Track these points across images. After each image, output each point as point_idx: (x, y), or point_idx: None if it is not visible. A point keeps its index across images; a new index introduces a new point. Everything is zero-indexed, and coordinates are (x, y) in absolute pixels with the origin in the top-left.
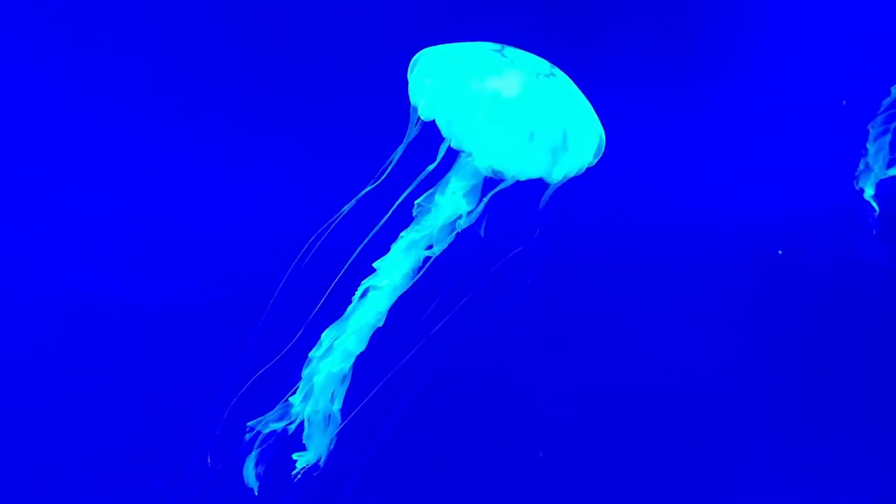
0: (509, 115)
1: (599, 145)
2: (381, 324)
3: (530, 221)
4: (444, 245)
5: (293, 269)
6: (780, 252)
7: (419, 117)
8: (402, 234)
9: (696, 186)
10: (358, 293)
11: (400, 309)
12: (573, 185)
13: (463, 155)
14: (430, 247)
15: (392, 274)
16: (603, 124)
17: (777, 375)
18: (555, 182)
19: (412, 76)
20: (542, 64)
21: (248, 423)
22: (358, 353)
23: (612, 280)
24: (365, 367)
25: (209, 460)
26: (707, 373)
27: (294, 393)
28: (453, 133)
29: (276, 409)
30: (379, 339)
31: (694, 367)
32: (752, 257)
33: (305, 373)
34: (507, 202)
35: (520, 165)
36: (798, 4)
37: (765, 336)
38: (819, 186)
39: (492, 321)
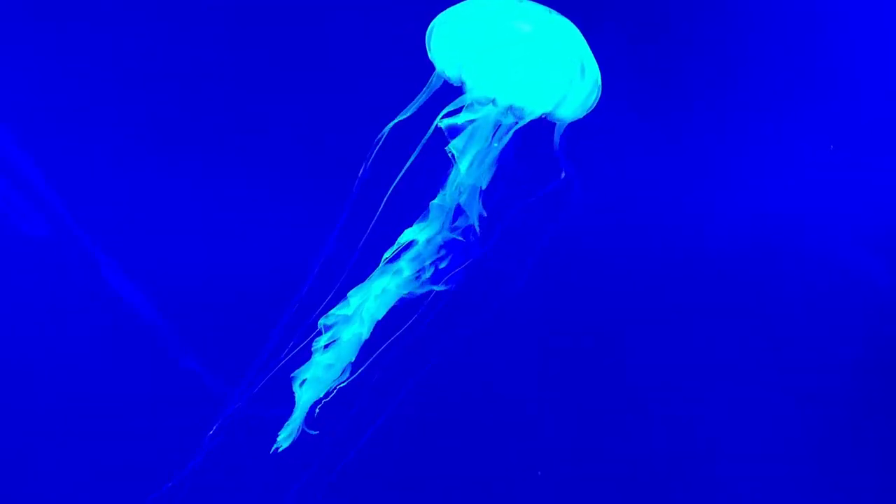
0: (530, 48)
1: (596, 84)
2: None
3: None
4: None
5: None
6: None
7: (439, 79)
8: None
9: (682, 179)
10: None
11: (391, 314)
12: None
13: (481, 109)
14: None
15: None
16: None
17: (770, 379)
18: (567, 116)
19: (434, 39)
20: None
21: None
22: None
23: (607, 283)
24: (358, 366)
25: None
26: (701, 375)
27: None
28: (476, 80)
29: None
30: (370, 342)
31: (686, 371)
32: (746, 253)
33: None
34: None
35: (544, 96)
36: None
37: (761, 337)
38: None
39: (484, 324)
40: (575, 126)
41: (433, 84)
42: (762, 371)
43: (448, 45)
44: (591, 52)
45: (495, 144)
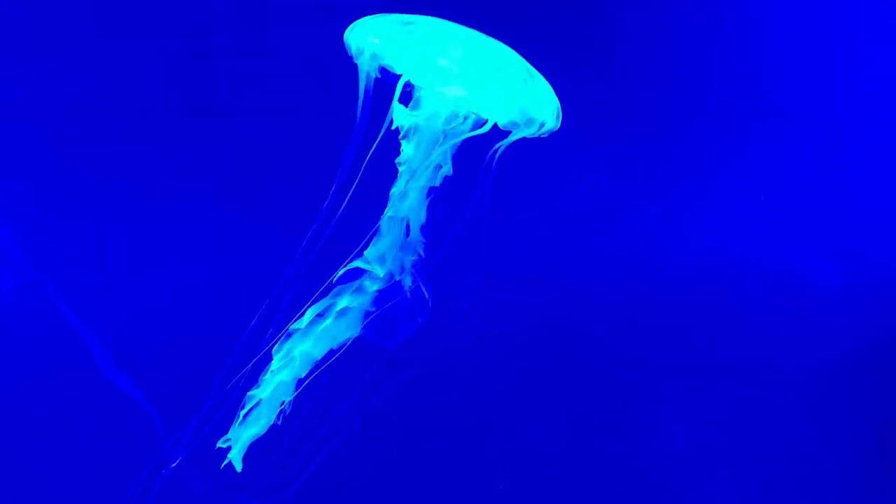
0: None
1: (557, 110)
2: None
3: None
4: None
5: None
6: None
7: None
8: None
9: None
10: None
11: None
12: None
13: (429, 100)
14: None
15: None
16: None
17: (731, 386)
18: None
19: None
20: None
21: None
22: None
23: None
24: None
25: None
26: (667, 382)
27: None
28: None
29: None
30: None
31: (649, 377)
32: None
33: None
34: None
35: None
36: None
37: (720, 347)
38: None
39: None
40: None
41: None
42: (725, 380)
43: (372, 48)
44: (537, 72)
45: (443, 144)
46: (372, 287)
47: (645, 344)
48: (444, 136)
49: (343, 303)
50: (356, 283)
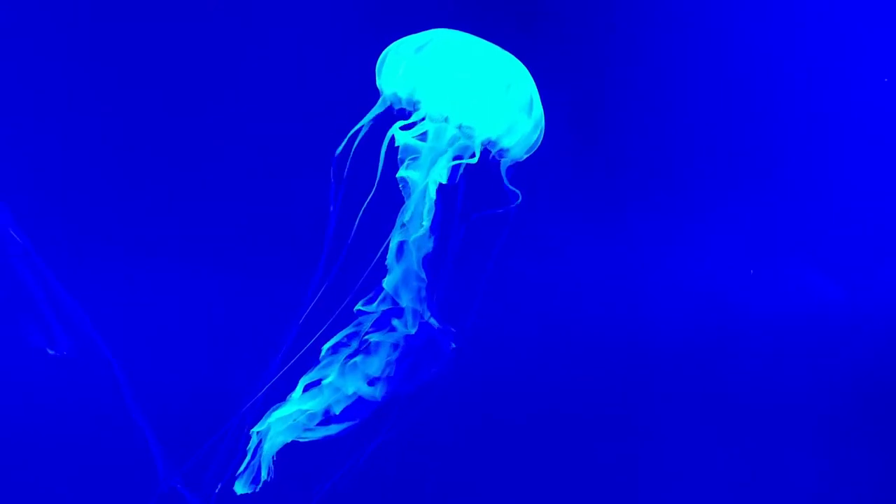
0: (476, 83)
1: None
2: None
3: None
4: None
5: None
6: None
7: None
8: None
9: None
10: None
11: None
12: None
13: (434, 129)
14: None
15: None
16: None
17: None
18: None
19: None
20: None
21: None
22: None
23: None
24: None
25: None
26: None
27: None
28: (429, 101)
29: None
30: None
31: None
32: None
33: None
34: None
35: (493, 120)
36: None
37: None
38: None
39: None
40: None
41: (379, 109)
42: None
43: (399, 73)
44: (538, 93)
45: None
46: (399, 326)
47: (648, 395)
48: (445, 156)
49: (373, 338)
50: (377, 313)
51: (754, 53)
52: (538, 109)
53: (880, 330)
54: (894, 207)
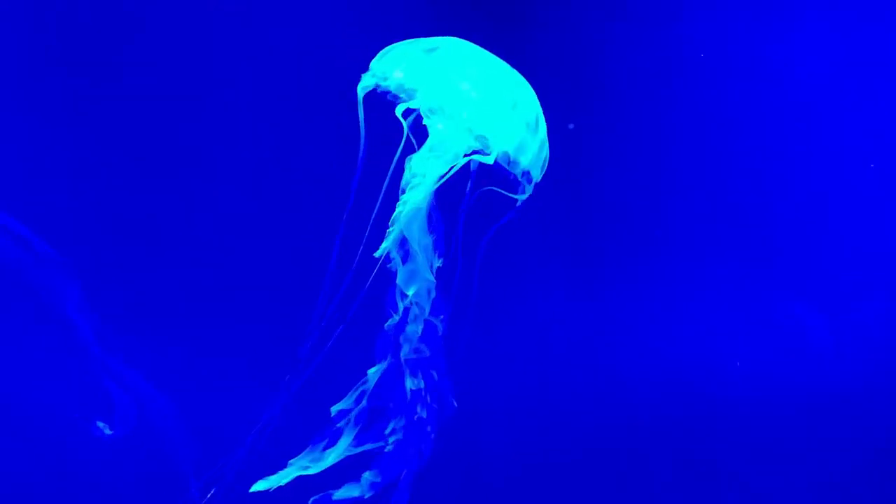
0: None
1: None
2: None
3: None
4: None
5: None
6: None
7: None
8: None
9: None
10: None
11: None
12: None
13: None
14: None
15: None
16: None
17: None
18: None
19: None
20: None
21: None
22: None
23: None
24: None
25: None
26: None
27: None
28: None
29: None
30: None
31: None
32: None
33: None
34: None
35: (500, 132)
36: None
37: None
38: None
39: None
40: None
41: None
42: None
43: (403, 67)
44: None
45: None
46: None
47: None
48: (448, 168)
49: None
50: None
51: (731, 105)
52: (543, 128)
53: (866, 361)
54: (878, 242)
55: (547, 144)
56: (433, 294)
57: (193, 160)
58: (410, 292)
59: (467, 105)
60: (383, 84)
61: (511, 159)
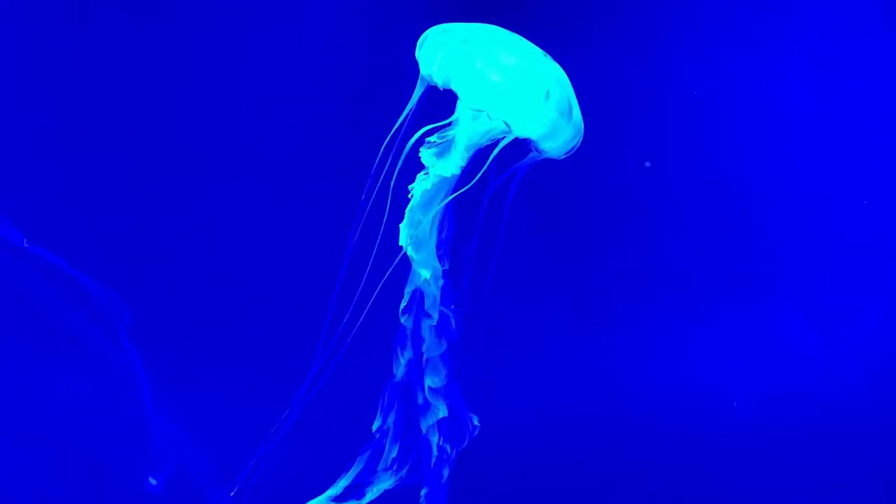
0: (512, 80)
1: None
2: None
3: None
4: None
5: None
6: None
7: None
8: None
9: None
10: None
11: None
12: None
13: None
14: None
15: None
16: None
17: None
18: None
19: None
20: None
21: None
22: None
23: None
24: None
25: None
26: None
27: None
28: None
29: None
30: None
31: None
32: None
33: None
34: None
35: (530, 120)
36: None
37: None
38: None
39: None
40: None
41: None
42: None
43: (437, 56)
44: (576, 101)
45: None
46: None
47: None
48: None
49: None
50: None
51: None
52: (577, 114)
53: (860, 377)
54: (872, 257)
55: (581, 129)
56: (441, 281)
57: (203, 169)
58: (427, 275)
59: (500, 90)
60: (424, 73)
61: (540, 147)
